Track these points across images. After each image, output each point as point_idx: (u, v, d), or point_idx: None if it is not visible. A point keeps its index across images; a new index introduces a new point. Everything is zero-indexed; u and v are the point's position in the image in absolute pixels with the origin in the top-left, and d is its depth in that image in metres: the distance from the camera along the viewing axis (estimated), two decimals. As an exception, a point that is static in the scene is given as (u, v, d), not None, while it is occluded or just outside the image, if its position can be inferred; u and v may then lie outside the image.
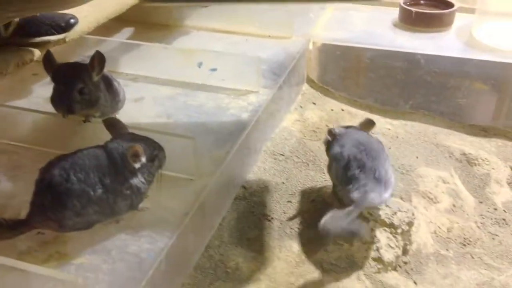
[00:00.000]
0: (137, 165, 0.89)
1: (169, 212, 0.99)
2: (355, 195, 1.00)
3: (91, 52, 1.07)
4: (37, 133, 1.16)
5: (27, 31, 1.19)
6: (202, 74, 1.40)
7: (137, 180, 0.90)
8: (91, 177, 0.87)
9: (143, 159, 0.90)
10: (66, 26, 1.21)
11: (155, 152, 0.94)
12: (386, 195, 1.03)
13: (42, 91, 1.38)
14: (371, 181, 1.01)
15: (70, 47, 1.42)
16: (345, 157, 1.05)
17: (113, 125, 0.95)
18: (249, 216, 1.17)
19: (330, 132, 1.11)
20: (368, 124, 1.17)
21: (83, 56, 1.42)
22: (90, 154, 0.90)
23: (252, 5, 1.87)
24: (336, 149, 1.08)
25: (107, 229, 0.94)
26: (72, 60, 1.24)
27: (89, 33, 1.41)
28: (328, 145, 1.13)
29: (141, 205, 0.96)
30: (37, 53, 1.21)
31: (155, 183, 0.97)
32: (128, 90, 1.40)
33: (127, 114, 1.28)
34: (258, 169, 1.31)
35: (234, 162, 1.17)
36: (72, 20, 1.23)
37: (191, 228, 0.99)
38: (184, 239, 0.97)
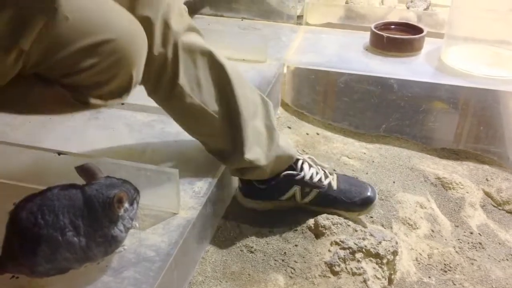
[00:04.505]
0: (121, 212, 0.84)
1: (152, 250, 0.94)
2: None
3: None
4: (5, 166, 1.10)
5: None
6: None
7: (115, 229, 0.84)
8: (60, 219, 0.81)
9: (126, 205, 0.85)
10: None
11: (135, 195, 0.88)
12: None
13: (7, 118, 1.31)
14: None
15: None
16: None
17: (87, 171, 0.88)
18: (231, 248, 1.14)
19: None
20: None
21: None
22: (61, 194, 0.84)
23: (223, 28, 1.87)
24: None
25: (86, 271, 0.88)
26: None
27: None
28: None
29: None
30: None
31: (136, 220, 0.92)
32: (100, 118, 1.36)
33: (101, 144, 1.23)
34: (237, 198, 1.28)
35: (216, 192, 1.14)
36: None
37: (175, 265, 0.95)
38: (169, 278, 0.93)
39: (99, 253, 0.85)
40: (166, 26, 0.97)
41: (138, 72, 0.89)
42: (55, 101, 0.88)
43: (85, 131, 1.28)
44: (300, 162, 1.19)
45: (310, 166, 1.20)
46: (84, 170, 0.87)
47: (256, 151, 1.10)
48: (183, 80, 1.02)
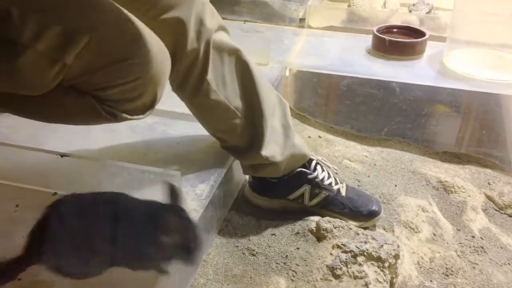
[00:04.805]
0: (164, 239, 0.80)
1: (154, 252, 0.94)
2: None
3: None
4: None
5: None
6: (181, 102, 1.36)
7: (147, 248, 0.82)
8: (90, 225, 0.80)
9: (165, 239, 0.80)
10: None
11: (187, 243, 0.81)
12: None
13: (8, 120, 1.32)
14: None
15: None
16: None
17: (174, 193, 0.85)
18: (233, 251, 1.14)
19: None
20: None
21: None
22: (94, 200, 0.83)
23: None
24: None
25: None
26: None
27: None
28: None
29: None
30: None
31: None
32: (103, 119, 1.35)
33: (103, 146, 1.24)
34: (239, 200, 1.28)
35: (218, 194, 1.14)
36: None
37: (177, 268, 0.95)
38: (171, 280, 0.93)
39: (123, 264, 0.84)
40: (201, 23, 1.01)
41: (161, 91, 0.91)
42: (84, 112, 0.89)
43: (87, 133, 1.28)
44: (314, 163, 1.20)
45: (322, 169, 1.21)
46: (173, 191, 0.85)
47: (272, 148, 1.12)
48: (211, 76, 1.05)
